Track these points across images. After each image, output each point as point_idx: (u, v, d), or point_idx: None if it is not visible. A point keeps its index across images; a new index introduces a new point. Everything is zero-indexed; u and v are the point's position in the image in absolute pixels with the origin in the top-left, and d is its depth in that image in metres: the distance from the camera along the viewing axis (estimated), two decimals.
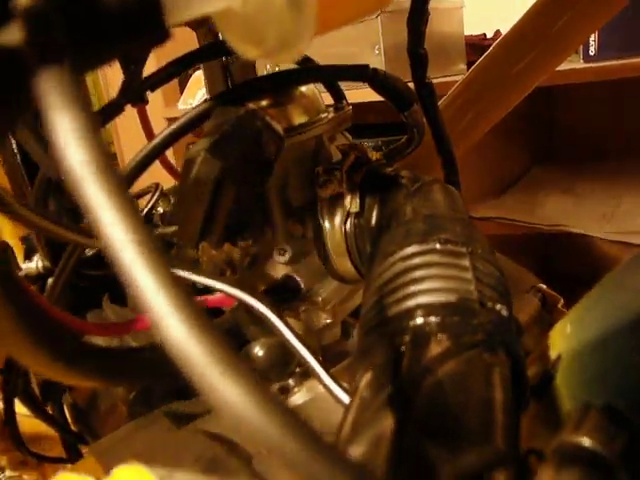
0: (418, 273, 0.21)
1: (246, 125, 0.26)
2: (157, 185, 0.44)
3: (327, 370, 0.24)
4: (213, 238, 0.29)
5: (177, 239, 0.29)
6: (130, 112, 0.42)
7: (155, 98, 0.52)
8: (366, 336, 0.20)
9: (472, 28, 1.09)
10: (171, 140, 0.32)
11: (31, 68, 0.11)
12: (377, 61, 0.92)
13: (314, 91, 0.35)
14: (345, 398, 0.22)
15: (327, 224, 0.32)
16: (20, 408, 0.48)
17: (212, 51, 0.39)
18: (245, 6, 0.14)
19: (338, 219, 0.32)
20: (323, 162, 0.34)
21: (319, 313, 0.35)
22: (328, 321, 0.35)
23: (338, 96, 0.38)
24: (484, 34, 1.17)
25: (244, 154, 0.26)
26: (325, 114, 0.35)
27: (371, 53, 0.94)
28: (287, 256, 0.34)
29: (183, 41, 0.35)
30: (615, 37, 0.85)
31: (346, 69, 0.33)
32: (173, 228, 0.30)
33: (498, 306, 0.19)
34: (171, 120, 0.33)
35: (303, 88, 0.34)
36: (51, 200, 0.41)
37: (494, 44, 0.57)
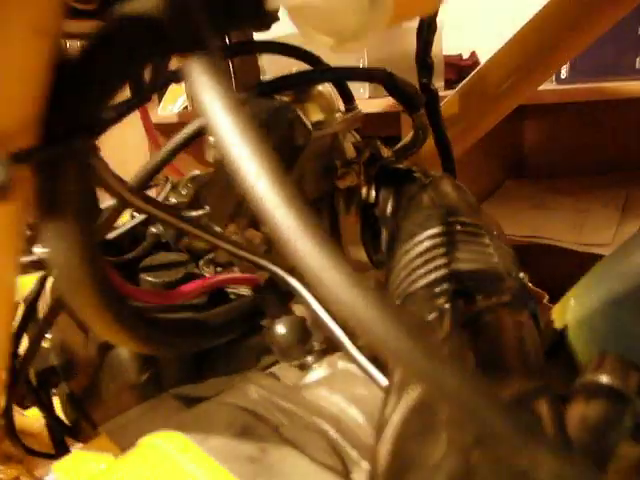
0: (447, 248, 0.23)
1: (281, 115, 0.28)
2: (166, 178, 0.45)
3: (355, 344, 0.26)
4: (243, 221, 0.31)
5: (206, 220, 0.31)
6: None
7: None
8: (403, 303, 0.22)
9: (449, 49, 1.16)
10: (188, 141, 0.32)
11: (177, 44, 0.13)
12: None
13: (330, 91, 0.37)
14: (375, 372, 0.24)
15: (343, 214, 0.35)
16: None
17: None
18: None
19: (354, 210, 0.34)
20: (338, 158, 0.37)
21: None
22: None
23: (348, 98, 0.40)
24: (460, 54, 1.24)
25: (279, 142, 0.28)
26: (339, 113, 0.37)
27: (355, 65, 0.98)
28: None
29: None
30: (585, 62, 0.92)
31: (365, 71, 0.36)
32: (200, 211, 0.32)
33: (521, 274, 0.22)
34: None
35: (320, 88, 0.36)
36: None
37: (479, 67, 0.59)
